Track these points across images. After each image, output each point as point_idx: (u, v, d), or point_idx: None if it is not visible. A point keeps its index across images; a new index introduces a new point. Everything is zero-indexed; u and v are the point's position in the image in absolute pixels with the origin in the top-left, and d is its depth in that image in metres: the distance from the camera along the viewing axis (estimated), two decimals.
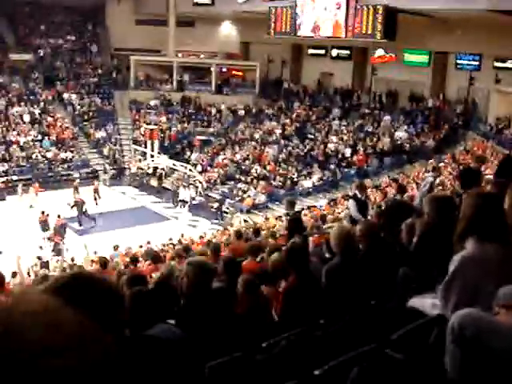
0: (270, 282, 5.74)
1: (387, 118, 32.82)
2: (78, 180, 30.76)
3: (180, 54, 43.60)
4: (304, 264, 5.25)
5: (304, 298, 4.80)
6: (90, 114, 39.21)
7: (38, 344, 0.80)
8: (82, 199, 27.01)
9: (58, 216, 24.34)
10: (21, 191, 29.79)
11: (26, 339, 0.81)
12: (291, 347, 3.56)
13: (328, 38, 32.59)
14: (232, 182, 31.63)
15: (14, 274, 15.81)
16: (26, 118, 36.64)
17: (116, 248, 19.68)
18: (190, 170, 31.89)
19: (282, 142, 34.13)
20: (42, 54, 41.61)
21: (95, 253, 18.82)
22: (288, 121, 36.00)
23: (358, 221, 9.49)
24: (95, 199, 29.32)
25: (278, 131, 35.14)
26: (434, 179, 12.02)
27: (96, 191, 29.70)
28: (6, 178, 31.82)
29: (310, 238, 9.43)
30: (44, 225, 24.70)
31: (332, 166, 30.54)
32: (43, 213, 25.10)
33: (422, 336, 3.10)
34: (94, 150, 37.16)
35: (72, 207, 26.61)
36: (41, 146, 34.99)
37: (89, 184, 31.30)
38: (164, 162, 33.53)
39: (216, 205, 29.26)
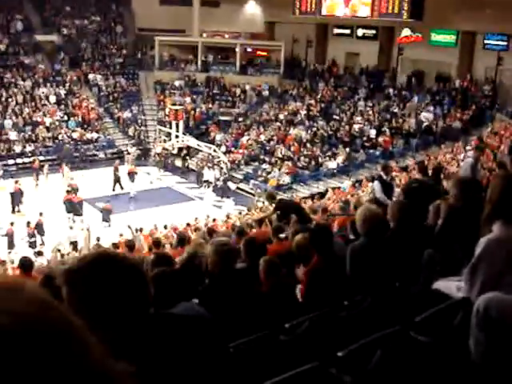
0: (294, 262, 5.74)
1: (415, 98, 32.45)
2: (118, 161, 31.45)
3: (204, 34, 43.46)
4: (328, 245, 5.24)
5: (328, 279, 4.79)
6: (115, 94, 39.38)
7: None
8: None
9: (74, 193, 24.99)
10: (47, 171, 30.08)
11: None
12: (314, 328, 3.56)
13: (354, 17, 32.23)
14: (256, 163, 31.62)
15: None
16: (52, 98, 36.91)
17: (140, 230, 19.68)
18: (215, 150, 31.91)
19: (307, 122, 33.96)
20: (67, 35, 41.78)
21: (121, 235, 18.94)
22: (313, 101, 35.78)
23: (383, 202, 9.44)
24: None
25: (303, 112, 34.96)
26: (475, 161, 11.27)
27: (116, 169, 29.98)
28: (32, 158, 32.16)
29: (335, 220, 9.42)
30: (70, 205, 24.95)
31: (357, 147, 30.39)
32: (68, 192, 25.33)
33: (447, 319, 3.08)
34: (119, 131, 37.39)
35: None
36: (67, 127, 35.28)
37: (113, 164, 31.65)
38: (189, 142, 33.59)
39: (221, 183, 29.60)
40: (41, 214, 22.69)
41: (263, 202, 25.05)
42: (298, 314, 3.91)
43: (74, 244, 20.43)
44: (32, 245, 21.17)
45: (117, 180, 29.37)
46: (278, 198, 10.48)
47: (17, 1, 41.49)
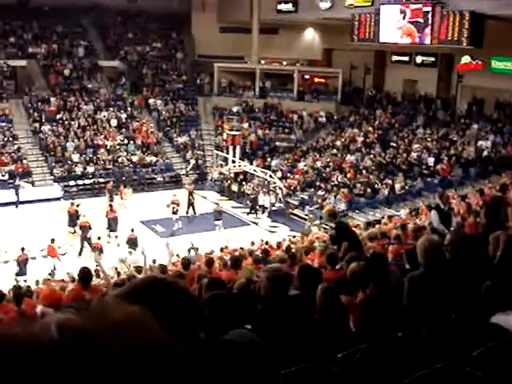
0: (349, 291, 5.68)
1: (474, 126, 31.90)
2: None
3: (263, 61, 43.92)
4: (383, 274, 5.17)
5: (382, 308, 4.72)
6: (174, 119, 40.09)
7: (120, 356, 0.83)
8: (178, 200, 27.78)
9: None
10: (127, 192, 31.09)
11: (109, 351, 0.83)
12: (367, 359, 3.51)
13: (412, 44, 32.01)
14: (312, 189, 31.54)
15: (97, 273, 16.34)
16: (113, 122, 37.84)
17: (196, 250, 19.88)
18: (271, 176, 32.01)
19: (364, 149, 33.76)
20: (129, 61, 42.89)
21: (177, 255, 19.11)
22: (370, 128, 35.59)
23: (441, 232, 9.26)
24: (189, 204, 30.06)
25: (360, 139, 34.79)
26: None
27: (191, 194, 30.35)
28: (92, 179, 32.99)
29: (390, 248, 9.29)
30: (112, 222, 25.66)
31: (415, 175, 29.99)
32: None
33: (505, 354, 2.99)
34: (178, 155, 37.98)
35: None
36: (126, 150, 36.06)
37: (172, 188, 32.27)
38: (245, 167, 33.82)
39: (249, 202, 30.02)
40: (132, 230, 24.10)
41: (319, 228, 24.94)
42: (351, 344, 3.86)
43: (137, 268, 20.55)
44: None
45: (191, 204, 29.73)
46: (339, 219, 10.34)
47: (81, 27, 42.90)
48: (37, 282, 16.41)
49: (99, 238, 23.44)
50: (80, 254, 23.98)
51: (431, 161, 30.63)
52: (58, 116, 37.05)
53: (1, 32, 41.11)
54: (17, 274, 20.70)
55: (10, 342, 0.81)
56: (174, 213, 27.24)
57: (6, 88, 37.91)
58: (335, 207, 28.28)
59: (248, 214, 30.63)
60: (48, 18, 41.73)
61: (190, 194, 30.05)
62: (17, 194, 30.39)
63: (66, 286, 13.24)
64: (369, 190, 29.71)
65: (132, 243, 23.28)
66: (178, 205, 27.36)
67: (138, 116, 39.55)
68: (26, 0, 40.99)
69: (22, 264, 21.04)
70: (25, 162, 33.42)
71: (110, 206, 27.63)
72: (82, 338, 0.83)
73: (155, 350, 0.90)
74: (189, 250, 19.69)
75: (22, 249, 21.57)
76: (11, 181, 31.61)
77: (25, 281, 20.05)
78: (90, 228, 24.45)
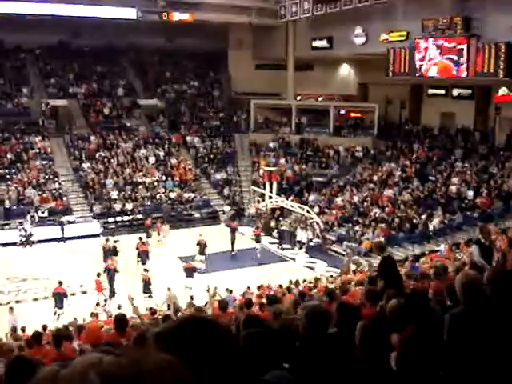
0: (389, 329, 5.59)
1: None
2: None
3: (298, 97, 44.22)
4: (424, 312, 5.08)
5: (423, 347, 4.63)
6: (212, 156, 40.46)
7: None
8: (204, 240, 27.47)
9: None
10: (163, 229, 31.38)
11: None
12: None
13: (449, 77, 31.90)
14: (349, 224, 31.33)
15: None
16: (152, 159, 38.36)
17: (230, 291, 19.64)
18: (308, 211, 31.93)
19: (402, 183, 33.50)
20: (167, 99, 43.62)
21: (214, 295, 19.02)
22: (408, 162, 35.35)
23: (482, 267, 9.09)
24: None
25: (398, 173, 34.57)
26: None
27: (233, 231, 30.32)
28: (131, 216, 33.37)
29: (431, 284, 9.14)
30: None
31: (454, 209, 29.58)
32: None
33: None
34: (215, 191, 38.23)
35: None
36: (164, 187, 36.45)
37: (210, 224, 32.56)
38: (282, 203, 33.80)
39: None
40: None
41: (357, 264, 24.71)
42: (391, 383, 3.79)
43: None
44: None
45: (233, 241, 29.72)
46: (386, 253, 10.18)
47: (120, 67, 43.91)
48: (84, 319, 16.48)
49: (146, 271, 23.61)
50: (111, 296, 23.32)
51: (470, 194, 30.22)
52: (98, 154, 37.76)
53: (43, 73, 42.35)
54: (55, 307, 20.83)
55: None
56: (201, 253, 26.94)
57: (47, 127, 38.85)
58: (373, 242, 28.08)
59: (278, 246, 30.77)
60: (88, 58, 42.84)
61: (233, 230, 30.07)
62: (62, 230, 30.93)
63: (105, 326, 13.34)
64: (407, 225, 29.39)
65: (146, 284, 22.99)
66: (204, 245, 26.99)
67: (176, 153, 40.04)
68: (68, 41, 42.16)
69: (58, 297, 21.03)
70: (65, 199, 33.98)
71: (140, 238, 27.83)
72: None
73: None
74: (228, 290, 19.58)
75: (60, 282, 21.65)
76: (51, 218, 32.20)
77: (59, 314, 20.22)
78: (116, 271, 23.81)
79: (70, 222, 31.96)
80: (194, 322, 1.68)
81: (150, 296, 21.99)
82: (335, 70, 44.40)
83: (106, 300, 21.96)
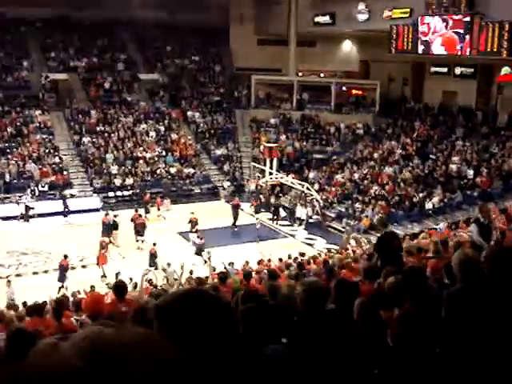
0: (387, 306, 5.62)
1: None
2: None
3: (300, 73, 43.99)
4: (421, 289, 5.11)
5: (420, 324, 4.66)
6: (212, 131, 40.36)
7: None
8: (196, 218, 27.56)
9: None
10: (164, 204, 31.59)
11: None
12: (404, 375, 3.47)
13: (451, 55, 31.68)
14: (349, 202, 31.37)
15: (135, 286, 16.50)
16: (152, 134, 38.28)
17: (231, 264, 19.91)
18: (308, 188, 31.94)
19: (402, 161, 33.47)
20: (167, 74, 43.39)
21: (214, 269, 19.14)
22: (408, 140, 35.27)
23: (481, 246, 9.12)
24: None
25: (398, 151, 34.52)
26: None
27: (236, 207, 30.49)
28: (131, 191, 33.41)
29: (429, 262, 9.17)
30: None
31: (454, 188, 29.58)
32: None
33: None
34: (215, 167, 38.22)
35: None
36: (165, 162, 36.41)
37: (210, 199, 32.68)
38: (282, 179, 33.80)
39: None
40: (154, 244, 23.95)
41: (357, 241, 24.73)
42: (388, 359, 3.82)
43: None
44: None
45: (235, 217, 29.83)
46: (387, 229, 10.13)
47: (121, 41, 43.60)
48: (92, 287, 16.56)
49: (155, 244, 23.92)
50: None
51: (471, 173, 30.20)
52: (98, 128, 37.66)
53: (43, 46, 42.09)
54: (58, 280, 20.99)
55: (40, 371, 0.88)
56: (192, 231, 26.89)
57: (47, 101, 38.69)
58: (372, 220, 28.15)
59: (272, 220, 30.97)
60: (89, 32, 42.52)
61: (236, 207, 30.13)
62: (65, 204, 31.03)
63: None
64: (407, 203, 29.44)
65: (153, 257, 23.36)
66: (195, 223, 27.10)
67: (177, 128, 39.94)
68: (68, 15, 41.82)
69: (62, 270, 21.29)
70: (65, 173, 33.97)
71: (136, 210, 28.08)
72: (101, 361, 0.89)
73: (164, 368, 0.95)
74: (229, 264, 19.73)
75: (65, 256, 21.90)
76: (51, 192, 32.26)
77: (62, 286, 20.36)
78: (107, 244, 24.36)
79: (72, 196, 32.03)
80: (194, 295, 1.69)
81: (155, 269, 22.08)
82: (337, 46, 44.09)
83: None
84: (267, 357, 2.89)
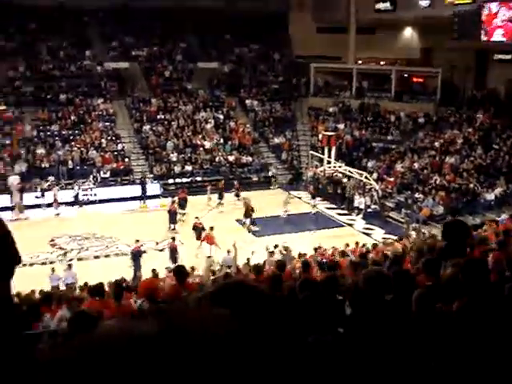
0: (445, 299, 5.55)
1: None
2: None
3: (360, 61, 43.51)
4: (481, 281, 5.02)
5: (480, 317, 4.59)
6: (270, 119, 40.39)
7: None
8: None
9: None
10: (209, 192, 31.51)
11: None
12: (463, 369, 3.44)
13: None
14: (409, 192, 30.92)
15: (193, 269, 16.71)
16: (211, 122, 38.59)
17: (286, 249, 19.91)
18: (366, 177, 31.63)
19: (464, 151, 32.73)
20: (226, 62, 43.58)
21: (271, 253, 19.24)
22: (471, 129, 34.45)
23: None
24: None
25: (460, 140, 33.78)
26: None
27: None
28: (190, 178, 33.84)
29: (491, 255, 8.96)
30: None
31: None
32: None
33: None
34: (273, 155, 38.28)
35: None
36: (223, 150, 36.69)
37: (267, 188, 33.02)
38: (340, 168, 33.57)
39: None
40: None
41: (417, 232, 24.39)
42: (445, 353, 3.78)
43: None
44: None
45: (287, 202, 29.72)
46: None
47: (181, 30, 43.92)
48: (154, 270, 16.75)
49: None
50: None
51: None
52: (158, 116, 38.21)
53: (105, 35, 42.85)
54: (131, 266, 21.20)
55: (124, 333, 0.97)
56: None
57: (109, 89, 39.46)
58: (432, 210, 27.71)
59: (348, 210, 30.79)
60: (149, 21, 42.94)
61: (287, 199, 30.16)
62: (143, 189, 31.73)
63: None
64: (468, 194, 28.82)
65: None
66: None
67: (235, 116, 40.14)
68: (129, 4, 42.28)
69: (137, 256, 21.39)
70: (126, 160, 34.63)
71: (173, 202, 28.20)
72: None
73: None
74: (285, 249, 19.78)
75: (137, 240, 22.32)
76: (127, 178, 33.50)
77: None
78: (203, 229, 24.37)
79: (151, 182, 33.17)
80: (233, 286, 1.72)
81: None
82: (398, 33, 43.34)
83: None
84: (309, 344, 2.91)
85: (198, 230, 24.67)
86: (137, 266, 20.99)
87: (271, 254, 19.49)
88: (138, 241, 22.32)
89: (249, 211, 27.44)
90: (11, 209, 28.78)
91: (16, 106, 36.25)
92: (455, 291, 5.31)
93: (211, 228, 23.42)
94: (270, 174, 35.63)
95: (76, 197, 30.68)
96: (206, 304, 1.15)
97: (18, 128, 34.65)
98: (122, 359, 0.89)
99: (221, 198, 30.56)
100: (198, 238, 24.07)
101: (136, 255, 21.44)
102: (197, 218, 25.51)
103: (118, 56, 41.71)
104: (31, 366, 1.28)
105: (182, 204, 28.45)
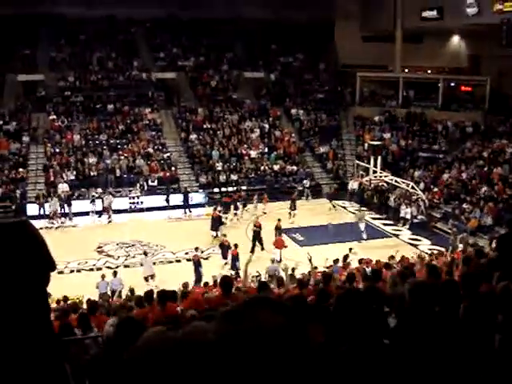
0: (494, 311, 5.47)
1: None
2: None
3: (406, 70, 43.13)
4: None
5: None
6: (316, 129, 40.34)
7: None
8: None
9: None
10: (256, 201, 31.71)
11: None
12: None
13: None
14: (456, 202, 30.42)
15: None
16: (256, 132, 38.72)
17: (336, 262, 19.80)
18: (413, 187, 31.25)
19: None
20: (272, 72, 43.72)
21: (315, 268, 19.10)
22: None
23: None
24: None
25: (509, 150, 33.12)
26: None
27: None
28: (236, 187, 33.98)
29: None
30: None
31: None
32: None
33: None
34: (318, 164, 38.18)
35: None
36: (268, 159, 36.76)
37: (313, 197, 33.45)
38: (386, 178, 33.24)
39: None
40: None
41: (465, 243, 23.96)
42: (494, 365, 3.74)
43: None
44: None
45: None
46: None
47: (227, 40, 44.26)
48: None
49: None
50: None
51: None
52: (205, 126, 38.54)
53: (152, 46, 43.53)
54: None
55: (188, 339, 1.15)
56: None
57: (156, 99, 40.02)
58: (481, 221, 27.20)
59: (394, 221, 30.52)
60: (195, 31, 43.42)
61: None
62: (186, 200, 31.90)
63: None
64: None
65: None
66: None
67: (280, 126, 40.21)
68: (176, 14, 42.77)
69: (197, 264, 21.32)
70: (173, 169, 34.99)
71: (215, 208, 28.22)
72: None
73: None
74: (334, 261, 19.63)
75: (196, 248, 22.67)
76: (160, 187, 33.42)
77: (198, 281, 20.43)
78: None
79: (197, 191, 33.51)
80: (256, 302, 1.72)
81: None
82: (445, 41, 42.84)
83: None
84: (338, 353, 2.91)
85: (224, 247, 23.36)
86: (198, 274, 20.85)
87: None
88: (197, 248, 22.50)
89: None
90: (54, 216, 29.35)
91: (66, 116, 37.09)
92: (504, 305, 5.23)
93: (235, 245, 22.44)
94: (300, 187, 34.70)
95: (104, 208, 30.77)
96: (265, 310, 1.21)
97: (67, 137, 35.42)
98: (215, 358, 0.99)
99: (294, 208, 30.24)
100: (226, 254, 23.04)
101: (196, 263, 21.41)
102: (224, 235, 24.71)
103: (165, 66, 42.28)
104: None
105: (214, 224, 26.89)
